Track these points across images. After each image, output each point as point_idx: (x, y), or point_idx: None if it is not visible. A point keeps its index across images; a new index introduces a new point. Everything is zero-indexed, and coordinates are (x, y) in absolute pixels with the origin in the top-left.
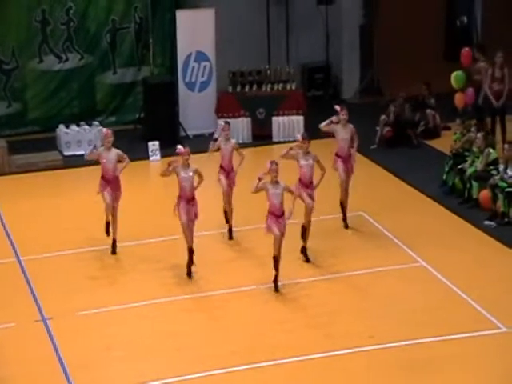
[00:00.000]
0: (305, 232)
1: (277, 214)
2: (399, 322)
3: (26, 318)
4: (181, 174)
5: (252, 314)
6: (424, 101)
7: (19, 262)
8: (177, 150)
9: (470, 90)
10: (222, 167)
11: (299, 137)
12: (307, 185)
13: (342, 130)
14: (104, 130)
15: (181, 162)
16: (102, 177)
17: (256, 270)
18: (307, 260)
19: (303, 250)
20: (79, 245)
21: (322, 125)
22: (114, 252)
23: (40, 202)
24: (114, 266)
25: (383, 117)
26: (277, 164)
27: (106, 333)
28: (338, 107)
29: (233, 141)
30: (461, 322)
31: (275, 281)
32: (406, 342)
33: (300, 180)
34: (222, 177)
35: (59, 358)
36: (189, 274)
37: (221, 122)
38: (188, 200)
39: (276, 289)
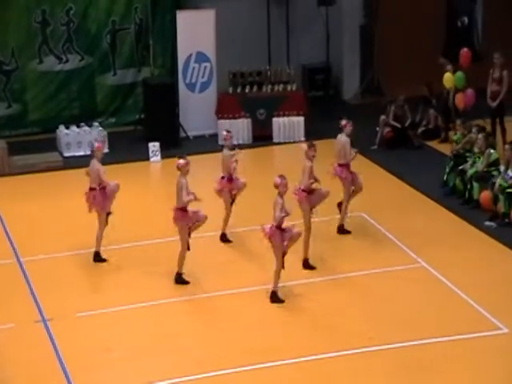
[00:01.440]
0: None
1: (283, 227)
2: (400, 323)
3: (26, 318)
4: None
5: (251, 315)
6: (428, 99)
7: (19, 262)
8: (177, 165)
9: (470, 91)
10: (223, 177)
11: (304, 146)
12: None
13: (339, 139)
14: (96, 144)
15: (183, 173)
16: (93, 189)
17: (256, 271)
18: (310, 268)
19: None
20: (79, 246)
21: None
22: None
23: (40, 203)
24: (114, 267)
25: (383, 117)
26: (285, 178)
27: (105, 334)
28: (343, 122)
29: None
30: (462, 323)
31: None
32: (408, 343)
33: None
34: (224, 189)
35: (59, 359)
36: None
37: (224, 132)
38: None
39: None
